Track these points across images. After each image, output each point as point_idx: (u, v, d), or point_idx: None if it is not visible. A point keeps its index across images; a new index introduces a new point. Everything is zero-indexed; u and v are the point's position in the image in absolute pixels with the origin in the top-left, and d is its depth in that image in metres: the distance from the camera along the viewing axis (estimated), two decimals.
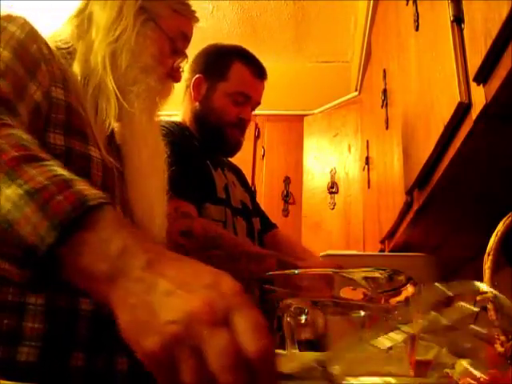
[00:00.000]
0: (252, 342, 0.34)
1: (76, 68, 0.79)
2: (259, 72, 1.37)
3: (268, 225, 1.48)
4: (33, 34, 0.71)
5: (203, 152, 1.30)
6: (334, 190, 2.67)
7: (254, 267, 1.09)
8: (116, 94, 0.80)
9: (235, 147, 1.36)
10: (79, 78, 0.79)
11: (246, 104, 1.34)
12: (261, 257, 1.11)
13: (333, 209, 2.65)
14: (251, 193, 1.47)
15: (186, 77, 1.37)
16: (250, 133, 3.10)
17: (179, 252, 1.07)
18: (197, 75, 1.34)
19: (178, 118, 1.38)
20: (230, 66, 1.33)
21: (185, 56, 0.96)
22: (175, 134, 1.23)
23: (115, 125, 0.82)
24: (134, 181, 0.82)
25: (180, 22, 0.93)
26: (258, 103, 1.39)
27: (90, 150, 0.73)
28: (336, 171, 2.70)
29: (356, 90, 2.79)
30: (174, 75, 0.94)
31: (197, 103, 1.34)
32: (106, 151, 0.77)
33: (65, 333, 0.66)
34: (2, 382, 0.45)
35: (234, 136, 1.34)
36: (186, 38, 0.96)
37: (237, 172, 1.46)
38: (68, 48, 0.81)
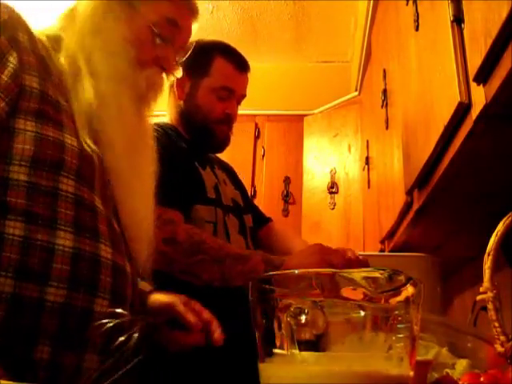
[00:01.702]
0: None
1: (61, 58, 0.78)
2: (241, 65, 1.36)
3: (262, 219, 1.48)
4: (10, 23, 0.70)
5: (191, 152, 1.28)
6: (334, 189, 2.67)
7: (240, 267, 1.08)
8: (90, 79, 0.78)
9: (224, 143, 1.35)
10: (65, 67, 0.78)
11: (231, 98, 1.33)
12: (245, 256, 1.11)
13: (333, 209, 2.65)
14: (242, 190, 1.46)
15: None
16: (250, 133, 3.11)
17: (163, 260, 1.08)
18: None
19: (165, 119, 1.37)
20: (211, 62, 1.33)
21: (179, 45, 0.92)
22: (158, 139, 1.22)
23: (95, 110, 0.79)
24: (115, 170, 0.79)
25: (164, 7, 0.88)
26: (243, 96, 1.38)
27: (66, 137, 0.71)
28: (336, 171, 2.70)
29: (356, 89, 2.79)
30: (164, 65, 0.89)
31: (181, 102, 1.33)
32: (92, 140, 0.75)
33: (29, 324, 0.63)
34: (3, 382, 0.46)
35: (222, 132, 1.33)
36: (176, 26, 0.90)
37: (227, 170, 1.45)
38: (56, 39, 0.81)
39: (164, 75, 0.91)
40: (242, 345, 1.05)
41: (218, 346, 0.81)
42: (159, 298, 0.87)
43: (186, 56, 0.95)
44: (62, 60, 0.78)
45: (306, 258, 1.12)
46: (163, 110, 1.39)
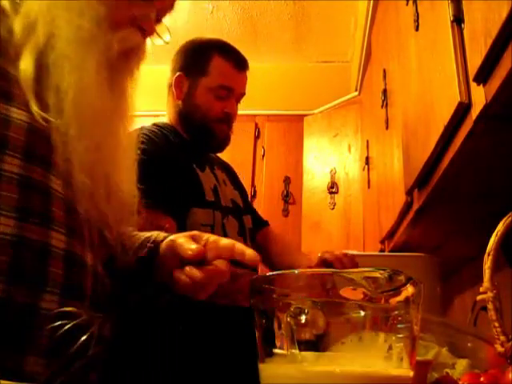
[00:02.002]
0: None
1: (18, 20, 0.67)
2: (239, 63, 1.34)
3: (259, 222, 1.47)
4: None
5: (189, 154, 1.27)
6: (334, 189, 2.67)
7: (227, 285, 1.07)
8: (50, 41, 0.67)
9: (224, 142, 1.34)
10: (20, 31, 0.67)
11: (230, 97, 1.32)
12: (234, 276, 1.10)
13: (333, 209, 2.65)
14: (242, 190, 1.45)
15: (167, 76, 1.36)
16: (250, 133, 3.11)
17: None
18: (177, 73, 1.33)
19: (165, 119, 1.36)
20: (209, 61, 1.31)
21: (161, 5, 0.79)
22: (155, 142, 1.20)
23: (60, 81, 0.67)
24: (76, 149, 0.66)
25: None
26: (242, 94, 1.37)
27: (12, 111, 0.62)
28: (336, 171, 2.70)
29: (356, 90, 2.79)
30: (143, 26, 0.76)
31: (180, 102, 1.32)
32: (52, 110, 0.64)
33: None
34: (3, 381, 0.45)
35: (222, 131, 1.32)
36: None
37: (227, 170, 1.44)
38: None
39: (148, 38, 0.78)
40: (241, 347, 1.06)
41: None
42: (167, 239, 0.76)
43: (170, 13, 0.83)
44: (19, 22, 0.66)
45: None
46: (163, 110, 1.39)
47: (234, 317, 1.07)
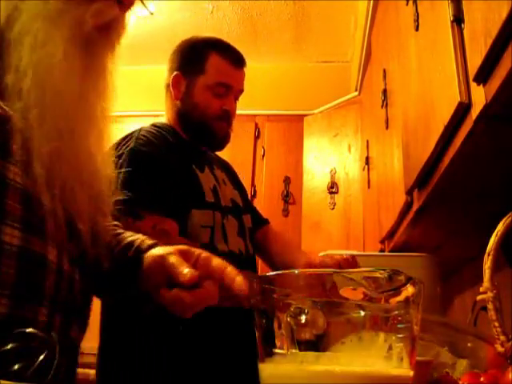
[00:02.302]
0: None
1: None
2: (237, 60, 1.34)
3: (259, 221, 1.47)
4: None
5: (188, 154, 1.27)
6: (334, 189, 2.67)
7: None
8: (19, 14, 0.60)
9: (224, 140, 1.34)
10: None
11: (228, 94, 1.32)
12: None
13: (333, 209, 2.65)
14: (241, 189, 1.44)
15: (165, 76, 1.36)
16: (250, 133, 3.11)
17: None
18: (174, 73, 1.32)
19: (163, 119, 1.35)
20: (206, 59, 1.31)
21: None
22: (154, 144, 1.19)
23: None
24: (38, 136, 0.60)
25: None
26: (241, 91, 1.36)
27: None
28: (336, 171, 2.70)
29: (356, 90, 2.79)
30: None
31: (178, 101, 1.31)
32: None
33: None
34: (2, 382, 0.45)
35: (222, 128, 1.31)
36: None
37: (226, 169, 1.43)
38: None
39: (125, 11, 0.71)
40: (241, 347, 1.06)
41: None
42: (153, 252, 0.70)
43: None
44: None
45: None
46: (162, 110, 1.39)
47: (234, 317, 1.07)
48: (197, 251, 0.69)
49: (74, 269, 0.64)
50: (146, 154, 1.15)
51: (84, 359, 0.71)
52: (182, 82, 1.31)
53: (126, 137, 1.20)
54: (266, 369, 0.46)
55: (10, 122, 0.58)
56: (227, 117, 1.32)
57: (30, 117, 0.59)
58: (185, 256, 0.67)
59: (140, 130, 1.23)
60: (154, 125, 1.29)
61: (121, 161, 1.11)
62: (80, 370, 0.67)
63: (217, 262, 0.67)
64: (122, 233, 0.78)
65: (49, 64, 0.61)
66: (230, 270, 0.65)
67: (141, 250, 0.72)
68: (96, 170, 0.68)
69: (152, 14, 0.82)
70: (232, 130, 1.35)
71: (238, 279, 0.64)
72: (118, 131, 1.07)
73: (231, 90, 1.32)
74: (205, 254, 0.68)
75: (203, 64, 1.31)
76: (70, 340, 0.62)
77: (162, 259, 0.67)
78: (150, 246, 0.72)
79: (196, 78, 1.31)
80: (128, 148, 1.14)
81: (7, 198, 0.56)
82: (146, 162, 1.15)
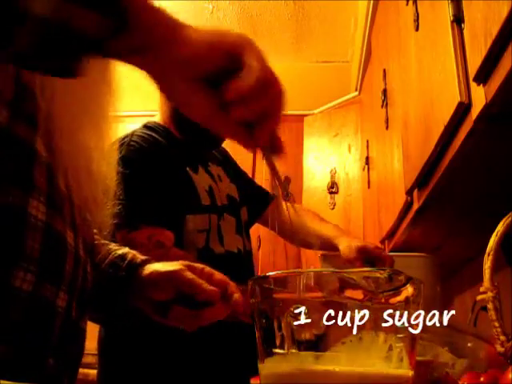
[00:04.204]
0: None
1: None
2: None
3: (264, 200, 1.46)
4: None
5: (181, 155, 1.24)
6: (334, 189, 2.67)
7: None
8: None
9: (219, 137, 1.29)
10: None
11: None
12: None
13: (333, 209, 2.65)
14: (239, 179, 1.41)
15: None
16: None
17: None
18: None
19: (156, 118, 1.31)
20: None
21: None
22: (145, 151, 1.17)
23: None
24: (56, 112, 0.56)
25: None
26: None
27: None
28: (336, 171, 2.70)
29: (356, 89, 2.79)
30: None
31: None
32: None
33: None
34: (2, 382, 0.45)
35: None
36: None
37: (223, 161, 1.40)
38: None
39: None
40: (240, 347, 1.06)
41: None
42: (157, 268, 0.71)
43: None
44: None
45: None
46: (155, 110, 1.36)
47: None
48: (199, 267, 0.71)
49: (87, 258, 0.61)
50: (138, 162, 1.12)
51: (84, 359, 0.70)
52: None
53: (118, 142, 1.17)
54: (266, 369, 0.46)
55: (35, 95, 0.54)
56: None
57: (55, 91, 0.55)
58: (190, 270, 0.69)
59: (132, 134, 1.19)
60: (145, 126, 1.26)
61: None
62: (80, 370, 0.66)
63: (219, 277, 0.70)
64: (107, 244, 0.76)
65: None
66: (232, 286, 0.69)
67: (134, 265, 0.72)
68: (93, 173, 0.63)
69: None
70: None
71: (235, 296, 0.68)
72: (118, 131, 1.05)
73: None
74: (207, 269, 0.71)
75: None
76: (81, 331, 0.60)
77: (173, 275, 0.68)
78: (145, 261, 0.73)
79: None
80: (120, 156, 1.10)
81: (33, 169, 0.52)
82: (138, 172, 1.12)
